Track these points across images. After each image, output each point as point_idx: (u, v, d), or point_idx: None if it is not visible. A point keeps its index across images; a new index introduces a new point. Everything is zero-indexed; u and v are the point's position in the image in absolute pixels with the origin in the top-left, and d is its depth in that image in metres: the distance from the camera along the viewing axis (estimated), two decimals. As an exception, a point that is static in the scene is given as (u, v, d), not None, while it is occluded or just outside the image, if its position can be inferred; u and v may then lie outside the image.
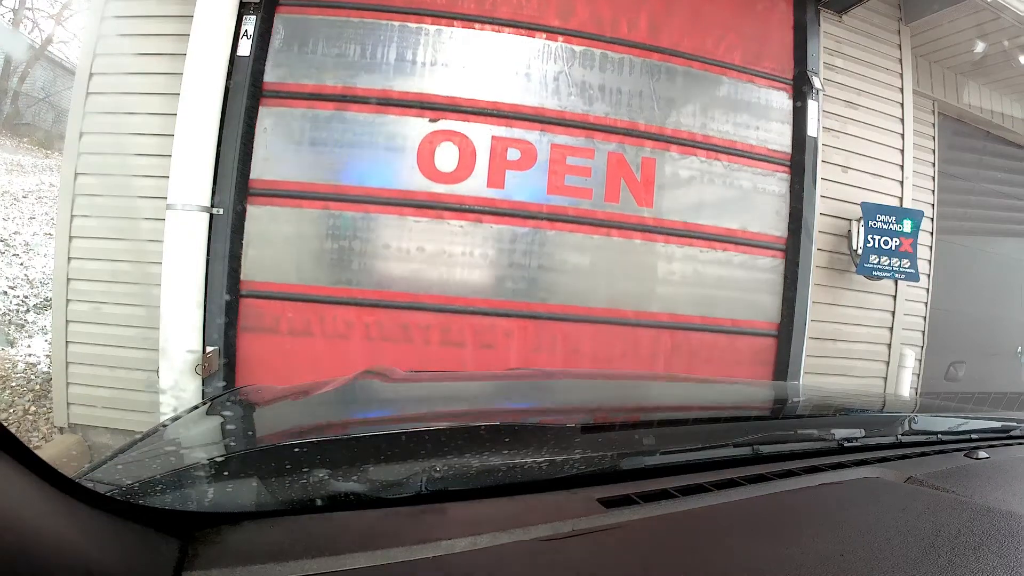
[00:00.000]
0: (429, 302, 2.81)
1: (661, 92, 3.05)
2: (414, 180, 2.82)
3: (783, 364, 3.12)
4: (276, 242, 2.78)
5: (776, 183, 3.19)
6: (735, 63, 3.14)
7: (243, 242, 2.73)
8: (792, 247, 3.17)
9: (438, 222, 2.83)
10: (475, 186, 2.85)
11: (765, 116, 3.20)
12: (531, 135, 2.90)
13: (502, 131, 2.88)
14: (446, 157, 2.83)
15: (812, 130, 3.24)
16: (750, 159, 3.15)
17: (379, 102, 2.81)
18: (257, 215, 2.76)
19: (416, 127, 2.83)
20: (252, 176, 2.75)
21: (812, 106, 3.24)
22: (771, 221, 3.18)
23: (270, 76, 2.80)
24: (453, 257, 2.84)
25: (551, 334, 2.89)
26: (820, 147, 3.31)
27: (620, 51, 3.00)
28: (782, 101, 3.23)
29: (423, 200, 2.83)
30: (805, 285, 3.21)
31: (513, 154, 2.88)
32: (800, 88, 3.24)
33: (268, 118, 2.79)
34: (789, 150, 3.21)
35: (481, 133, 2.87)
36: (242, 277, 2.74)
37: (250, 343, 2.74)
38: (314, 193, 2.79)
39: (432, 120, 2.83)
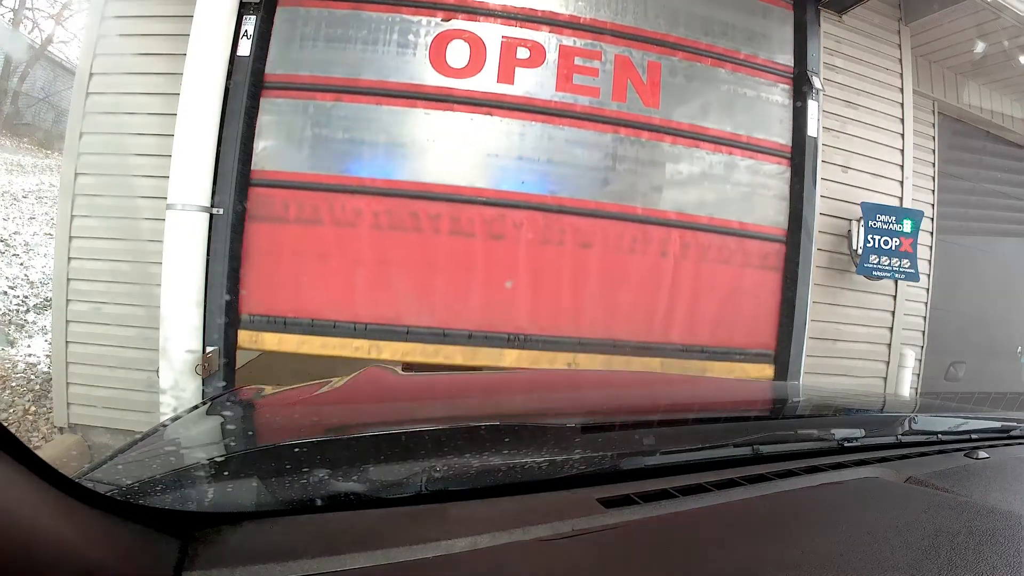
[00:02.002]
0: (439, 191, 2.83)
1: (665, 2, 3.11)
2: (426, 75, 2.87)
3: (791, 271, 3.14)
4: (287, 132, 2.81)
5: (779, 94, 3.23)
6: None
7: (255, 132, 2.76)
8: (797, 157, 3.19)
9: (448, 114, 2.87)
10: (485, 82, 2.90)
11: (765, 34, 3.24)
12: (540, 36, 2.96)
13: (512, 31, 2.94)
14: (457, 54, 2.89)
15: (812, 130, 3.24)
16: (751, 68, 3.19)
17: (394, 1, 2.87)
18: (270, 108, 2.80)
19: (428, 26, 2.89)
20: (267, 71, 2.80)
21: (812, 106, 3.24)
22: (775, 129, 3.21)
23: None
24: (463, 149, 2.87)
25: (560, 227, 2.92)
26: (820, 147, 3.32)
27: None
28: (782, 18, 3.28)
29: (434, 93, 2.86)
30: (805, 285, 3.21)
31: (522, 53, 2.94)
32: (800, 88, 3.24)
33: (284, 17, 2.83)
34: (791, 64, 3.25)
35: (492, 33, 2.93)
36: (252, 167, 2.76)
37: (257, 232, 2.75)
38: (327, 86, 2.81)
39: (444, 19, 2.89)
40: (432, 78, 2.87)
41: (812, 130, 3.24)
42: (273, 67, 2.80)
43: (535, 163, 2.92)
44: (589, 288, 2.94)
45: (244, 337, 2.74)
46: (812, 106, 3.24)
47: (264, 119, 2.79)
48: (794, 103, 3.26)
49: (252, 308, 2.75)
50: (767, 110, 3.21)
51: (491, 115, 2.89)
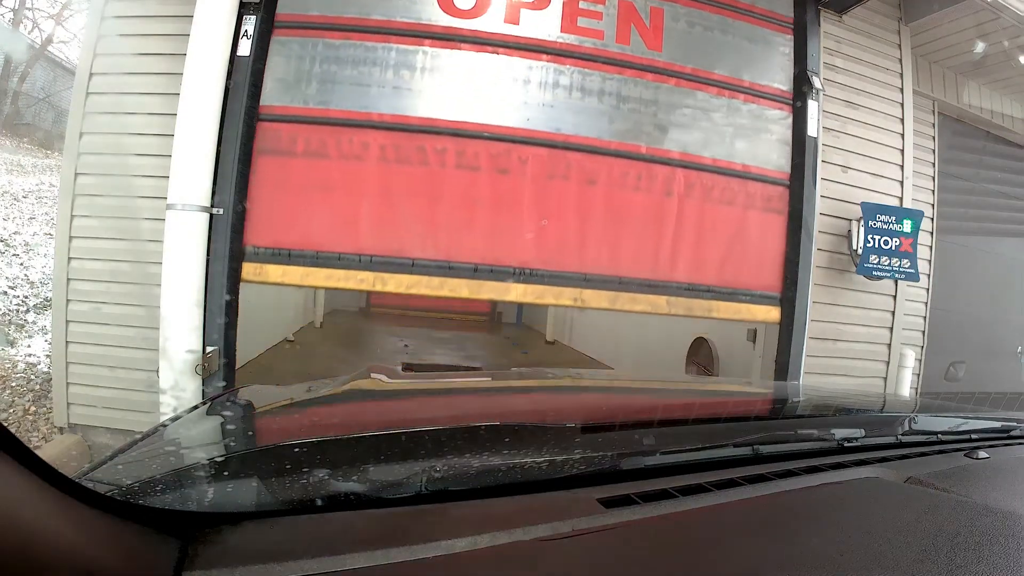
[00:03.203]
0: (445, 126, 2.87)
1: None
2: (433, 15, 2.91)
3: (796, 214, 3.19)
4: (296, 71, 2.85)
5: (779, 41, 3.29)
6: None
7: (264, 70, 2.79)
8: (798, 103, 3.24)
9: (455, 53, 2.92)
10: (491, 22, 2.95)
11: None
12: None
13: None
14: None
15: (812, 130, 3.25)
16: (752, 17, 3.23)
17: None
18: (280, 48, 2.84)
19: None
20: (278, 11, 2.84)
21: (812, 106, 3.25)
22: (777, 76, 3.26)
23: None
24: (469, 86, 2.92)
25: (565, 163, 2.97)
26: (820, 147, 3.32)
27: None
28: None
29: (441, 33, 2.91)
30: (805, 285, 3.21)
31: None
32: (800, 88, 3.25)
33: None
34: (791, 13, 3.30)
35: None
36: (261, 102, 2.79)
37: (264, 165, 2.79)
38: (336, 24, 2.86)
39: None
40: (440, 18, 2.92)
41: (812, 130, 3.25)
42: (284, 7, 2.85)
43: (540, 101, 2.98)
44: (594, 224, 2.99)
45: (248, 270, 2.76)
46: (812, 106, 3.25)
47: (274, 58, 2.82)
48: (794, 103, 3.27)
49: (256, 240, 2.77)
50: (767, 56, 3.26)
51: (497, 54, 2.95)
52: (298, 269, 2.78)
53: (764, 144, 3.22)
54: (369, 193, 2.83)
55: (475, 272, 2.87)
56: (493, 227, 2.91)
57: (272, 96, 2.82)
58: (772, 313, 3.21)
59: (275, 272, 2.78)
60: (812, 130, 3.25)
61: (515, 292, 2.91)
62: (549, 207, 2.95)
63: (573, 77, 3.00)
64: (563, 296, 2.96)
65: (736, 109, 3.18)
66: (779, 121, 3.25)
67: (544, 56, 2.98)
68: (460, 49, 2.92)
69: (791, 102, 3.25)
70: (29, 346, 4.34)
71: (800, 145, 3.23)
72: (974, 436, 0.99)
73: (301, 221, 2.79)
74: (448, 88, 2.91)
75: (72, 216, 2.95)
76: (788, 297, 3.20)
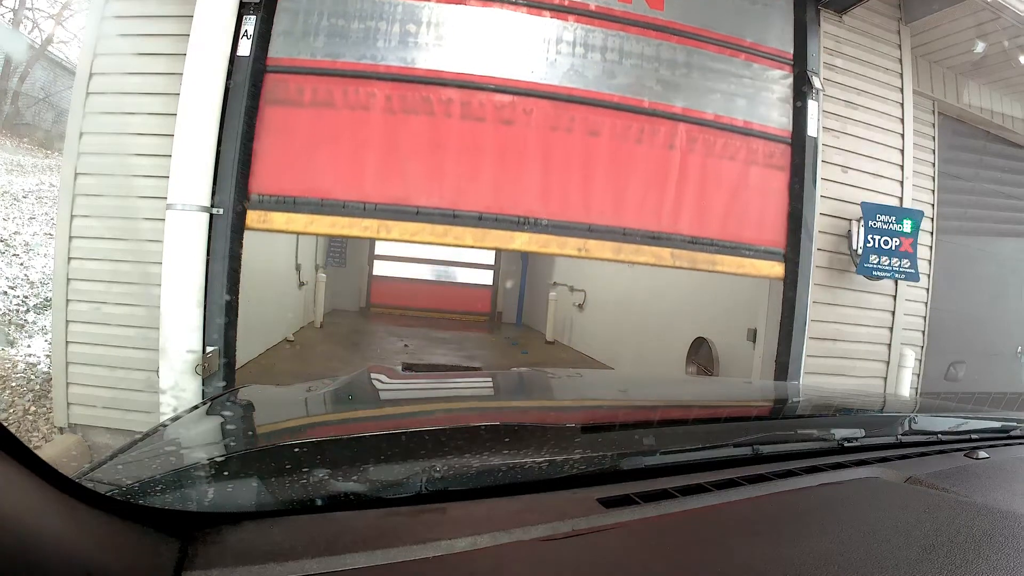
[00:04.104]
0: (450, 78, 2.91)
1: None
2: None
3: (798, 171, 3.23)
4: (303, 23, 2.88)
5: (782, 3, 3.33)
6: None
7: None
8: (798, 65, 3.29)
9: (461, 7, 2.97)
10: None
11: None
12: None
13: None
14: None
15: (812, 130, 3.25)
16: None
17: None
18: (287, 6, 2.87)
19: None
20: None
21: (812, 106, 3.25)
22: (778, 37, 3.31)
23: None
24: (474, 40, 2.97)
25: (569, 115, 3.01)
26: (820, 147, 3.32)
27: None
28: None
29: None
30: (805, 285, 3.21)
31: None
32: (800, 88, 3.26)
33: None
34: None
35: None
36: (269, 55, 2.82)
37: (271, 115, 2.82)
38: None
39: None
40: None
41: (812, 130, 3.25)
42: None
43: (543, 55, 3.02)
44: (598, 175, 3.03)
45: (253, 217, 2.78)
46: (812, 106, 3.25)
47: (281, 14, 2.85)
48: (794, 103, 3.27)
49: (262, 188, 2.79)
50: (768, 17, 3.30)
51: (502, 8, 3.00)
52: (303, 216, 2.81)
53: (765, 102, 3.27)
54: (374, 142, 2.86)
55: (480, 220, 2.90)
56: (498, 177, 2.94)
57: (280, 49, 2.84)
58: (776, 269, 3.24)
59: (280, 219, 2.81)
60: (812, 130, 3.25)
61: (519, 241, 2.94)
62: (553, 158, 2.99)
63: (576, 33, 3.05)
64: (567, 246, 2.99)
65: (737, 68, 3.23)
66: (780, 80, 3.30)
67: (547, 12, 3.03)
68: (466, 4, 2.97)
69: (791, 62, 3.30)
70: (29, 346, 4.34)
71: (801, 109, 3.26)
72: (974, 436, 0.99)
73: (307, 169, 2.82)
74: (454, 41, 2.95)
75: (72, 216, 2.94)
76: (792, 253, 3.22)
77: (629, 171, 3.06)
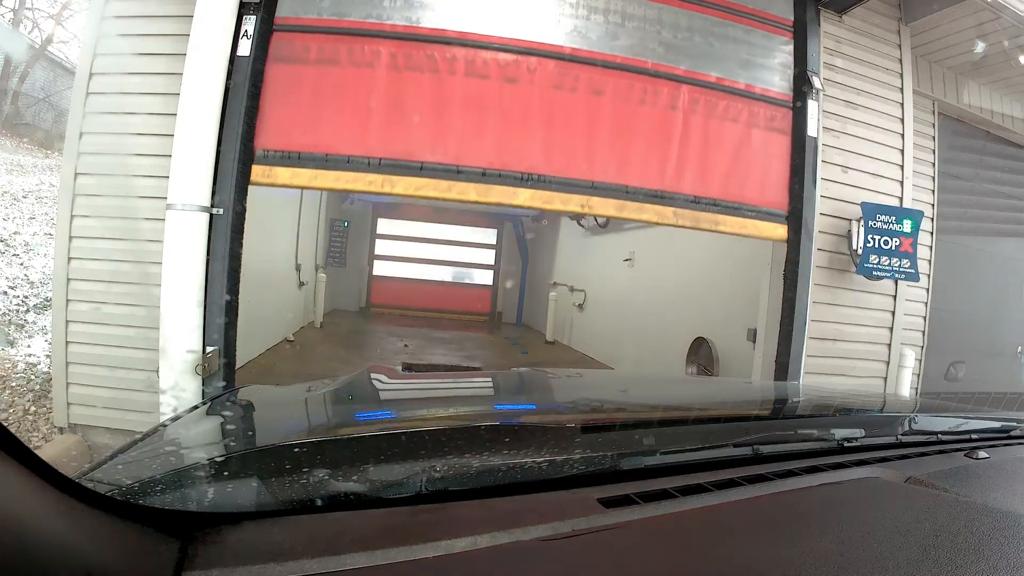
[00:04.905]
0: (455, 36, 2.94)
1: None
2: None
3: (800, 137, 3.26)
4: None
5: None
6: None
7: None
8: (799, 102, 3.31)
9: None
10: None
11: None
12: None
13: None
14: None
15: (812, 130, 3.25)
16: None
17: None
18: None
19: None
20: None
21: (812, 106, 3.26)
22: (779, 4, 3.34)
23: None
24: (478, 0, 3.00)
25: (573, 74, 3.04)
26: (820, 147, 3.32)
27: None
28: None
29: None
30: (805, 285, 3.21)
31: None
32: (800, 88, 3.26)
33: None
34: None
35: None
36: (276, 14, 2.84)
37: (277, 72, 2.85)
38: None
39: None
40: None
41: (812, 130, 3.25)
42: None
43: (547, 15, 3.04)
44: (601, 134, 3.05)
45: (257, 172, 2.80)
46: (812, 106, 3.25)
47: None
48: (794, 103, 3.28)
49: (267, 144, 2.81)
50: None
51: None
52: (307, 171, 2.82)
53: (767, 67, 3.30)
54: (379, 99, 2.88)
55: (483, 176, 2.91)
56: (502, 134, 2.96)
57: (287, 8, 2.86)
58: (779, 231, 3.26)
59: (284, 174, 2.82)
60: (812, 130, 3.25)
61: (523, 196, 2.96)
62: (557, 116, 3.01)
63: None
64: (570, 202, 3.01)
65: (739, 33, 3.26)
66: (781, 47, 3.33)
67: None
68: None
69: (791, 28, 3.33)
70: (29, 346, 4.34)
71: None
72: (974, 436, 0.99)
73: (311, 125, 2.84)
74: (458, 1, 2.96)
75: (72, 216, 2.95)
76: (795, 216, 3.24)
77: (632, 130, 3.09)
